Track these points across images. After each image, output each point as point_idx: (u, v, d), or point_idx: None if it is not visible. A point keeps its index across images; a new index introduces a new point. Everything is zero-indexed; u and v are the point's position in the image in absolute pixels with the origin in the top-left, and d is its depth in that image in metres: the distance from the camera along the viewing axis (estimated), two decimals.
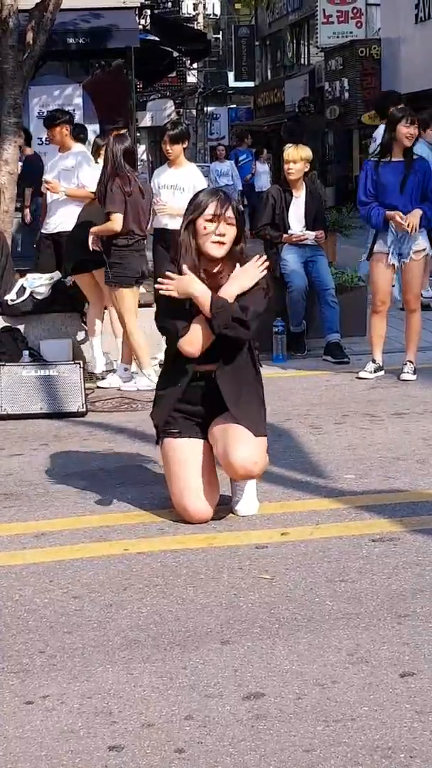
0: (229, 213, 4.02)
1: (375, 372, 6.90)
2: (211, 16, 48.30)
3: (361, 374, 6.91)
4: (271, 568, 3.62)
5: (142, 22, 15.70)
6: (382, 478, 4.64)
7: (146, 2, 16.43)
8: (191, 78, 40.60)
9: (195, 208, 4.07)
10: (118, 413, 6.20)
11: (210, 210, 4.01)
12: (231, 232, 4.04)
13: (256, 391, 4.25)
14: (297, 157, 7.81)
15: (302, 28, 34.31)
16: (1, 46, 8.74)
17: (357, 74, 27.64)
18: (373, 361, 6.96)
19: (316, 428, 5.62)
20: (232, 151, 19.98)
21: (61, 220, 8.19)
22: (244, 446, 4.04)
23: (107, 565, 3.71)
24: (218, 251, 4.04)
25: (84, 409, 6.15)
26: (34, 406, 6.15)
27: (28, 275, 7.94)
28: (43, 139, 12.72)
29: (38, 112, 13.75)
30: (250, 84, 42.38)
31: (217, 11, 47.42)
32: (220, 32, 48.38)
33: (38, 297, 7.58)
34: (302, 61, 35.19)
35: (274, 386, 6.83)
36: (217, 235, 4.01)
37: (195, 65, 33.68)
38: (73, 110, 12.77)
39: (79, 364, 6.33)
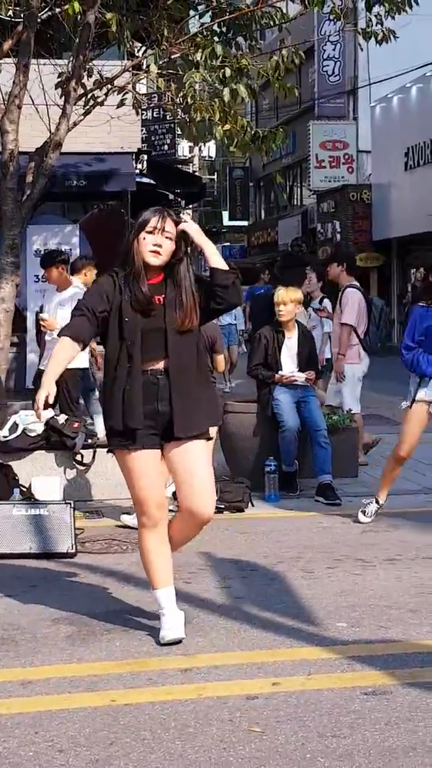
0: (168, 227, 4.45)
1: (374, 514, 6.85)
2: (207, 158, 49.96)
3: (361, 518, 6.86)
4: (262, 721, 3.57)
5: (139, 166, 16.25)
6: (375, 627, 4.61)
7: (143, 147, 17.05)
8: (186, 217, 41.71)
9: (140, 224, 4.48)
10: (108, 555, 6.17)
11: (151, 224, 4.45)
12: (167, 244, 4.45)
13: (206, 380, 4.61)
14: (287, 298, 8.01)
15: (296, 171, 35.52)
16: (1, 188, 9.05)
17: (348, 217, 28.50)
18: (377, 502, 6.87)
19: (308, 572, 5.60)
20: (248, 288, 19.13)
21: None
22: (208, 495, 4.49)
23: (94, 717, 3.65)
24: (155, 260, 4.44)
25: (73, 550, 6.12)
26: (23, 546, 6.12)
27: (21, 412, 8.02)
28: (40, 276, 13.04)
29: (35, 251, 14.09)
30: (244, 223, 43.62)
31: (212, 153, 49.09)
32: (215, 173, 50.03)
33: (30, 434, 7.64)
34: (295, 203, 36.30)
35: (266, 527, 6.85)
36: (154, 245, 4.43)
37: (190, 206, 34.67)
38: (70, 249, 13.12)
39: (70, 504, 6.32)
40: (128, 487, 4.54)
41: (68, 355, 4.52)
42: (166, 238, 4.44)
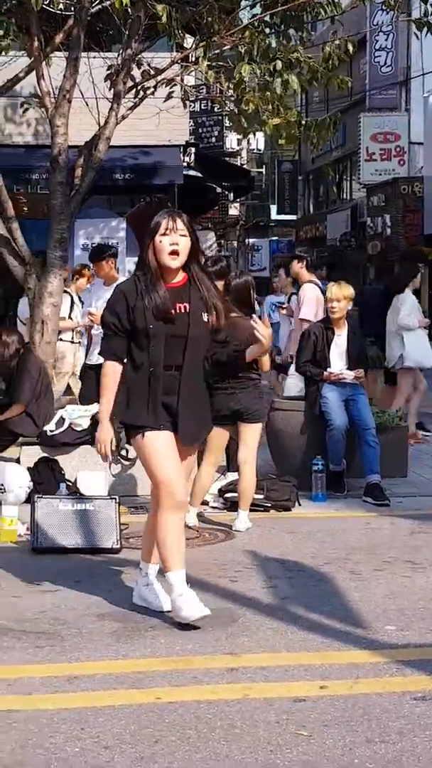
0: (180, 225, 4.60)
1: None
2: (255, 151, 49.82)
3: None
4: (309, 725, 3.57)
5: (187, 158, 16.25)
6: (425, 630, 4.59)
7: (191, 140, 17.05)
8: (233, 210, 41.71)
9: (152, 229, 4.62)
10: None
11: (163, 226, 4.59)
12: (184, 241, 4.60)
13: (206, 388, 4.83)
14: (340, 295, 7.98)
15: (345, 164, 35.34)
16: (51, 182, 9.12)
17: (399, 211, 28.28)
18: None
19: (356, 574, 5.59)
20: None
21: None
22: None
23: (139, 714, 3.68)
24: (174, 262, 4.61)
25: (118, 546, 6.16)
26: (68, 540, 6.17)
27: (68, 406, 8.10)
28: None
29: (83, 245, 14.17)
30: (293, 217, 43.48)
31: (261, 146, 48.95)
32: (264, 166, 49.91)
33: (77, 429, 7.70)
34: (344, 196, 36.13)
35: (313, 526, 6.84)
36: (171, 245, 4.58)
37: (238, 200, 34.66)
38: (116, 243, 13.18)
39: (115, 499, 6.38)
40: (152, 469, 4.67)
41: (115, 379, 4.77)
42: (181, 236, 4.59)
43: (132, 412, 4.71)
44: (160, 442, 4.65)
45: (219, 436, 6.79)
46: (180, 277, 4.71)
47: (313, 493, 7.64)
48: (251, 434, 6.82)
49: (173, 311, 4.61)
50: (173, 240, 4.59)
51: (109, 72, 9.51)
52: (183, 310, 4.64)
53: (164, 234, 4.59)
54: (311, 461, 7.69)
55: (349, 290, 8.06)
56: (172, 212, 4.69)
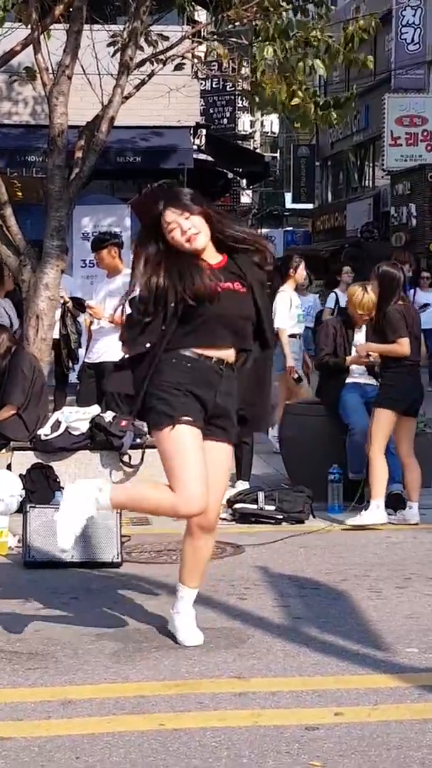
0: (177, 212, 4.45)
1: None
2: (269, 134, 49.85)
3: None
4: (323, 755, 3.57)
5: (197, 141, 16.28)
6: None
7: (201, 121, 17.07)
8: (245, 198, 41.72)
9: (153, 222, 4.51)
10: (156, 565, 6.21)
11: (167, 219, 4.46)
12: (195, 221, 4.46)
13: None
14: (371, 306, 7.80)
15: (368, 149, 35.33)
16: (48, 165, 9.14)
17: (426, 200, 28.24)
18: None
19: (376, 592, 5.59)
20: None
21: (105, 349, 8.39)
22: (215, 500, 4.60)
23: (140, 742, 3.68)
24: (198, 243, 4.48)
25: (119, 559, 6.16)
26: (64, 554, 6.17)
27: (65, 408, 8.11)
28: (87, 262, 13.14)
29: (83, 233, 14.20)
30: (309, 206, 43.47)
31: (276, 129, 48.96)
32: (278, 151, 49.92)
33: (74, 433, 7.71)
34: (366, 184, 36.12)
35: (329, 541, 6.84)
36: (184, 234, 4.45)
37: (251, 187, 34.66)
38: (120, 231, 13.21)
39: None
40: (175, 468, 4.45)
41: None
42: (186, 218, 4.46)
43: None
44: (189, 436, 4.53)
45: None
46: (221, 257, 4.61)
47: (329, 504, 7.63)
48: None
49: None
50: (184, 227, 4.46)
51: (113, 40, 9.48)
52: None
53: (173, 229, 4.47)
54: (327, 470, 7.69)
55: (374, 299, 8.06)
56: (169, 199, 4.52)
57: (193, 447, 4.45)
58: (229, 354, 4.57)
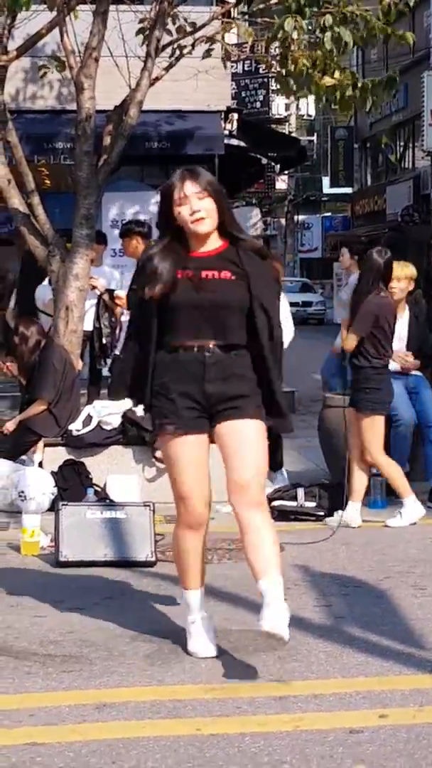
0: (194, 189, 4.40)
1: None
2: (305, 117, 49.71)
3: None
4: (368, 758, 3.55)
5: (229, 126, 16.25)
6: None
7: (233, 105, 17.04)
8: (280, 184, 41.65)
9: (162, 199, 4.51)
10: None
11: (175, 196, 4.43)
12: (206, 203, 4.42)
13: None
14: (401, 274, 7.88)
15: (407, 129, 35.16)
16: (76, 151, 9.14)
17: None
18: None
19: (420, 589, 5.56)
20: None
21: None
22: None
23: (176, 747, 3.67)
24: (203, 227, 4.44)
25: (153, 558, 6.17)
26: (97, 553, 6.18)
27: (96, 402, 8.12)
28: (117, 251, 13.15)
29: (112, 220, 14.22)
30: (348, 190, 43.32)
31: (312, 112, 48.81)
32: (315, 134, 49.79)
33: (106, 428, 7.72)
34: (406, 166, 35.94)
35: (371, 537, 6.82)
36: (192, 214, 4.40)
37: (286, 172, 34.59)
38: (149, 219, 13.21)
39: (150, 506, 6.38)
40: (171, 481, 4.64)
41: None
42: (200, 199, 4.42)
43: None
44: (180, 448, 4.60)
45: None
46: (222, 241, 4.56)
47: (371, 499, 7.60)
48: None
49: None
50: (194, 207, 4.40)
51: (140, 26, 9.50)
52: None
53: (179, 205, 4.42)
54: None
55: (410, 269, 8.00)
56: (182, 177, 4.45)
57: (179, 456, 4.51)
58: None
